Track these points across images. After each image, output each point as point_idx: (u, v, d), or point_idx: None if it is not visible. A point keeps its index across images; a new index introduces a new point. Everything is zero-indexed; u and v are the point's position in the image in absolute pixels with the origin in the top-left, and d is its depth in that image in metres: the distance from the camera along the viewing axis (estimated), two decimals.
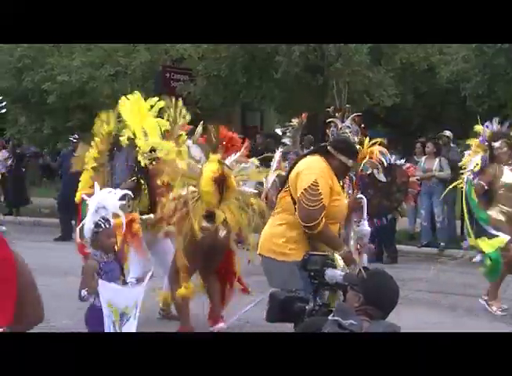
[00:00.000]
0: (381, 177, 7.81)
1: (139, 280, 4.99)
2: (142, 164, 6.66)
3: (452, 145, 12.64)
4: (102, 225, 4.85)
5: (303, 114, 5.52)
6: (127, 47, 15.46)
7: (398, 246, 11.50)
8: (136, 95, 6.88)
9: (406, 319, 7.36)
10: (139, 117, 6.80)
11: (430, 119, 17.47)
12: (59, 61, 16.03)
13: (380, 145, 6.42)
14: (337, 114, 6.92)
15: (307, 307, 4.00)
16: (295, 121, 5.46)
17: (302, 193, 4.89)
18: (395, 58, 14.90)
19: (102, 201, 4.93)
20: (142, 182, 6.74)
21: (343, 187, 6.92)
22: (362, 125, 7.06)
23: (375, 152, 5.46)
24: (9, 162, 16.74)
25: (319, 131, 6.60)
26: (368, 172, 7.71)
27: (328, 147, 5.13)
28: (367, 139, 6.91)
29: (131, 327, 4.60)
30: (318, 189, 4.85)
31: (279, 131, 5.21)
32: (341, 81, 14.00)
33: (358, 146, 5.17)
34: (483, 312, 7.78)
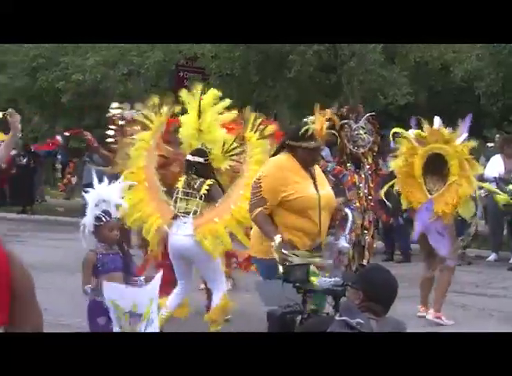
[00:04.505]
0: None
1: (147, 280, 4.99)
2: None
3: None
4: (103, 218, 4.91)
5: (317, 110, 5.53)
6: (140, 46, 15.48)
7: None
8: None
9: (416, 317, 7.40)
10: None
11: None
12: (73, 60, 16.09)
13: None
14: (350, 115, 6.90)
15: (297, 317, 4.04)
16: (310, 119, 5.44)
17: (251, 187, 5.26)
18: (409, 56, 14.84)
19: (103, 195, 4.98)
20: None
21: (358, 186, 6.91)
22: (378, 125, 7.05)
23: (323, 125, 5.42)
24: (24, 160, 16.84)
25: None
26: (390, 170, 7.72)
27: (287, 142, 5.24)
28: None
29: (150, 328, 4.57)
30: (259, 184, 5.07)
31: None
32: (355, 80, 14.03)
33: (311, 127, 5.21)
34: (496, 311, 7.76)
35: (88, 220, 4.97)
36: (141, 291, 4.76)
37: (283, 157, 5.19)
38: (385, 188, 7.32)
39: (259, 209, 5.04)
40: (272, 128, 6.67)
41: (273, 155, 5.41)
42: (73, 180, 17.85)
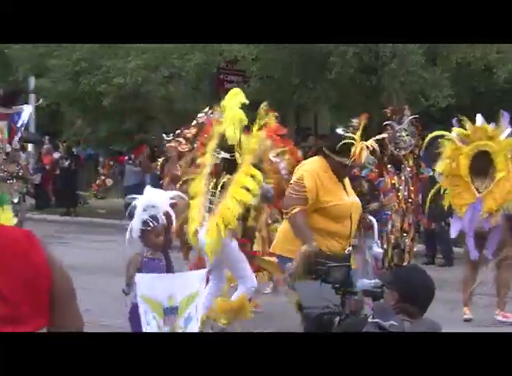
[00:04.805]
0: (441, 179, 7.71)
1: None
2: None
3: None
4: (150, 223, 4.91)
5: (363, 114, 5.50)
6: (181, 49, 15.56)
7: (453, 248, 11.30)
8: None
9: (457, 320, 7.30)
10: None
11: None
12: (115, 64, 16.21)
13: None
14: (394, 116, 6.86)
15: (335, 319, 4.04)
16: (355, 121, 5.40)
17: (289, 185, 5.30)
18: (451, 58, 14.67)
19: (152, 200, 4.99)
20: None
21: (398, 188, 6.88)
22: (420, 128, 6.99)
23: (361, 149, 5.41)
24: (66, 163, 17.07)
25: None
26: (429, 175, 7.64)
27: (323, 148, 5.29)
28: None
29: (191, 325, 4.55)
30: (303, 183, 5.11)
31: (340, 131, 5.12)
32: (396, 82, 13.91)
33: (352, 144, 5.22)
34: None
35: (135, 224, 4.98)
36: (177, 279, 4.76)
37: (320, 160, 5.27)
38: (430, 195, 7.23)
39: (299, 207, 5.06)
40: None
41: (308, 156, 5.46)
42: (108, 182, 18.06)
